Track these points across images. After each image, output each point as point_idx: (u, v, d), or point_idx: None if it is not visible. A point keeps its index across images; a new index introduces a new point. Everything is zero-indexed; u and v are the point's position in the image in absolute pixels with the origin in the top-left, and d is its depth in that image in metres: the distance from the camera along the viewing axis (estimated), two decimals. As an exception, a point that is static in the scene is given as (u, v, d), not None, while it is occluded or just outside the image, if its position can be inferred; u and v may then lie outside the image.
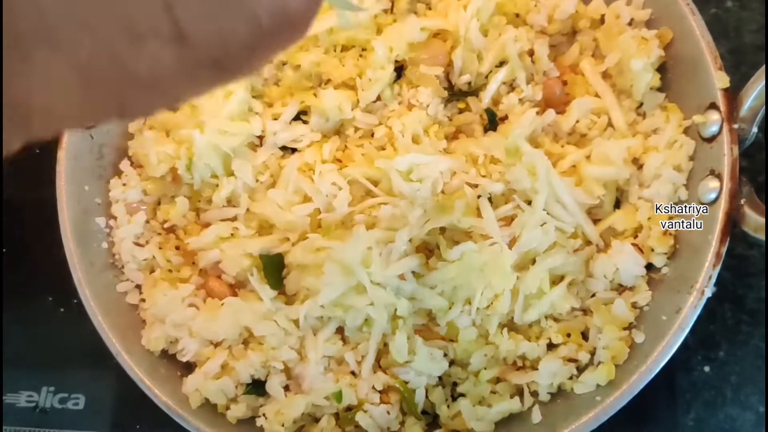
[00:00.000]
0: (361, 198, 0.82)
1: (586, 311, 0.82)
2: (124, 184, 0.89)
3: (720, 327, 0.93)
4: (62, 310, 1.01)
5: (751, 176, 0.77)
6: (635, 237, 0.81)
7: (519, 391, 0.81)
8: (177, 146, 0.85)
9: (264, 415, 0.80)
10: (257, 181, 0.86)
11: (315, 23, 0.83)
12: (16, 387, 0.99)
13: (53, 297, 1.01)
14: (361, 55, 0.87)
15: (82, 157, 0.87)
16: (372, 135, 0.85)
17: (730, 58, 0.96)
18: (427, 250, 0.83)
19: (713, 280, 0.74)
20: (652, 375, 0.73)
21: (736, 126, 0.75)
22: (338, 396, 0.79)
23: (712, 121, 0.77)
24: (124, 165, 0.90)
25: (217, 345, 0.83)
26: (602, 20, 0.86)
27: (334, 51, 0.87)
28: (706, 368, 0.93)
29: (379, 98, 0.85)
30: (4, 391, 0.98)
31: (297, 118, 0.88)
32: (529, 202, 0.80)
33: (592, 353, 0.80)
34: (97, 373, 0.96)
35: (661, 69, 0.83)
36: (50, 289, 1.02)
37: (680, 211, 0.80)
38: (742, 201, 0.74)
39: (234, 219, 0.86)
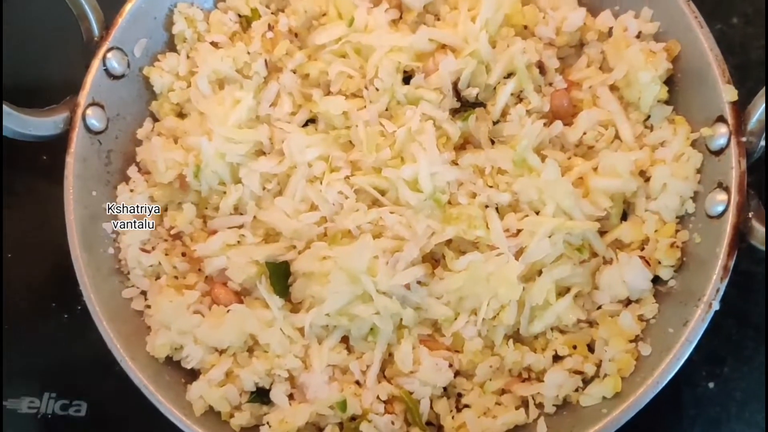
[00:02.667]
0: (368, 207, 0.82)
1: (592, 323, 0.82)
2: (131, 190, 0.89)
3: (725, 343, 0.93)
4: (66, 316, 1.01)
5: (759, 189, 0.77)
6: (642, 249, 0.81)
7: (524, 403, 0.81)
8: (185, 153, 0.85)
9: (268, 423, 0.80)
10: (264, 188, 0.86)
11: (324, 33, 0.85)
12: (18, 393, 0.99)
13: (57, 302, 1.01)
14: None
15: (90, 163, 0.87)
16: (379, 144, 0.85)
17: (736, 74, 0.95)
18: (433, 259, 0.83)
19: (720, 293, 0.73)
20: (659, 388, 0.73)
21: (744, 139, 0.75)
22: (342, 405, 0.78)
23: (720, 134, 0.77)
24: (132, 171, 0.90)
25: (221, 352, 0.83)
26: (610, 33, 0.87)
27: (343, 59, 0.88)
28: (711, 384, 0.92)
29: (386, 108, 0.85)
30: (5, 397, 0.98)
31: (305, 126, 0.88)
32: (537, 213, 0.80)
33: (598, 365, 0.79)
34: (99, 379, 0.95)
35: (669, 82, 0.84)
36: (54, 294, 1.01)
37: (687, 223, 0.80)
38: (750, 214, 0.74)
39: (241, 227, 0.86)
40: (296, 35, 0.91)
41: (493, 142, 0.85)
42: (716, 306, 0.73)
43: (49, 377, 1.00)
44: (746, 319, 0.93)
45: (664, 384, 0.73)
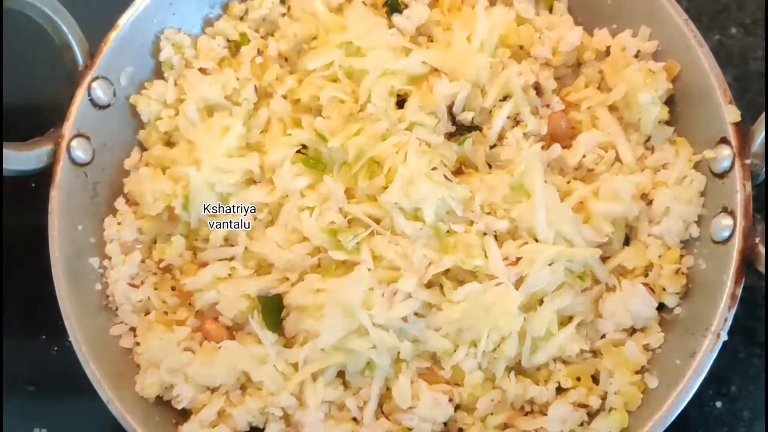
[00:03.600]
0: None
1: (596, 353, 0.80)
2: (119, 223, 0.87)
3: (731, 361, 0.91)
4: (55, 348, 0.99)
5: (765, 213, 0.75)
6: (646, 275, 0.79)
7: (527, 438, 0.79)
8: (173, 184, 0.83)
9: (262, 464, 0.78)
10: (255, 219, 0.83)
11: (315, 57, 0.83)
12: (8, 428, 0.97)
13: (46, 335, 0.99)
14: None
15: (76, 196, 0.85)
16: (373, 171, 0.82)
17: (735, 86, 0.95)
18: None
19: (729, 322, 0.71)
20: (668, 423, 0.71)
21: (748, 161, 0.73)
22: (339, 444, 0.76)
23: (724, 156, 0.75)
24: (119, 203, 0.88)
25: (213, 391, 0.81)
26: (608, 52, 0.85)
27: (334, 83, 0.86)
28: (718, 403, 0.91)
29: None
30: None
31: (297, 152, 0.86)
32: (536, 240, 0.78)
33: (604, 398, 0.77)
34: (90, 414, 0.93)
35: (669, 102, 0.82)
36: (44, 327, 0.99)
37: (692, 248, 0.78)
38: (757, 239, 0.72)
39: (231, 259, 0.84)
40: (286, 59, 0.89)
41: (490, 167, 0.83)
42: (724, 336, 0.71)
43: (38, 412, 0.98)
44: (752, 337, 0.92)
45: (673, 418, 0.71)
